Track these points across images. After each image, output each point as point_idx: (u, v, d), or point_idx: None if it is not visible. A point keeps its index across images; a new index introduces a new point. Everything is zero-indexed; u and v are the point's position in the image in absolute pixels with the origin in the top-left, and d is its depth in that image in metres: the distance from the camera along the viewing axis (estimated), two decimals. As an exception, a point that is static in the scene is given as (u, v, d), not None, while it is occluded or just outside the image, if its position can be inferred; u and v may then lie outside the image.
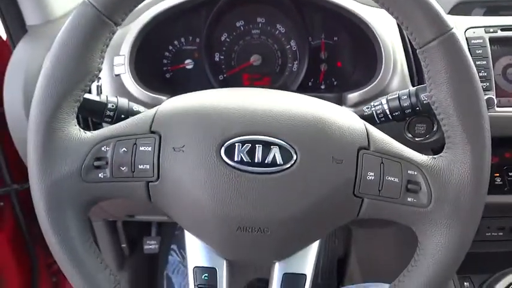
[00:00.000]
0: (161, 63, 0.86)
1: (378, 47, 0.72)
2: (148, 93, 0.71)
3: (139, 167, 0.46)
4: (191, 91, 0.53)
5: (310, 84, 0.87)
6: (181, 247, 1.34)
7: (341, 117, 0.48)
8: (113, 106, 0.58)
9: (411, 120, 0.72)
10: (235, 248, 0.49)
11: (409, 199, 0.46)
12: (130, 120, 0.48)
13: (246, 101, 0.48)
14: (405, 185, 0.46)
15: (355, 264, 1.30)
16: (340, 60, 0.86)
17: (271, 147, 0.45)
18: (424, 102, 0.57)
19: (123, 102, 0.59)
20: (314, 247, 0.52)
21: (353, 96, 0.71)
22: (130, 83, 0.71)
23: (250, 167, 0.45)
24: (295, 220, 0.45)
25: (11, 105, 0.77)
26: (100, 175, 0.46)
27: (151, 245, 1.20)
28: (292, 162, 0.45)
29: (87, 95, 0.57)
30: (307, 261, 0.52)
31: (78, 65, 0.46)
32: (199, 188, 0.45)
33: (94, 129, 0.50)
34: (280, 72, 0.87)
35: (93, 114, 0.59)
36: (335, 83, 0.87)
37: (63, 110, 0.46)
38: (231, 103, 0.47)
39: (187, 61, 0.86)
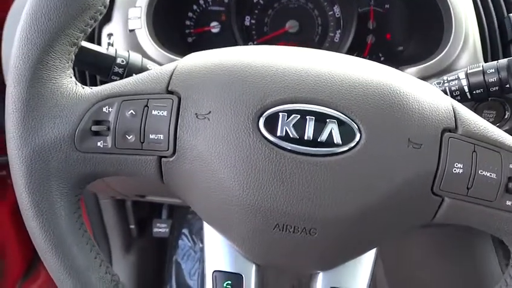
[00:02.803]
0: (183, 25, 0.76)
1: (448, 15, 0.62)
2: (167, 54, 0.61)
3: (151, 136, 0.36)
4: None
5: None
6: (193, 232, 1.29)
7: (421, 89, 0.37)
8: (123, 62, 0.49)
9: (478, 106, 0.61)
10: (269, 251, 0.38)
11: (508, 203, 0.35)
12: (142, 75, 0.37)
13: (296, 59, 0.37)
14: (505, 183, 0.35)
15: (381, 270, 1.20)
16: (390, 31, 0.76)
17: (327, 121, 0.34)
18: None
19: (136, 57, 0.50)
20: (369, 257, 0.41)
21: (411, 71, 0.61)
22: (146, 40, 0.61)
23: (298, 146, 0.34)
24: (352, 220, 0.35)
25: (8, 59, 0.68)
26: (99, 144, 0.36)
27: (161, 229, 1.13)
28: (355, 143, 0.34)
29: (92, 46, 0.47)
30: (359, 274, 0.41)
31: None
32: (227, 169, 0.35)
33: None
34: (319, 43, 0.77)
35: (98, 70, 0.49)
36: (382, 58, 0.77)
37: (54, 54, 0.35)
38: (275, 61, 0.36)
39: (213, 24, 0.76)
